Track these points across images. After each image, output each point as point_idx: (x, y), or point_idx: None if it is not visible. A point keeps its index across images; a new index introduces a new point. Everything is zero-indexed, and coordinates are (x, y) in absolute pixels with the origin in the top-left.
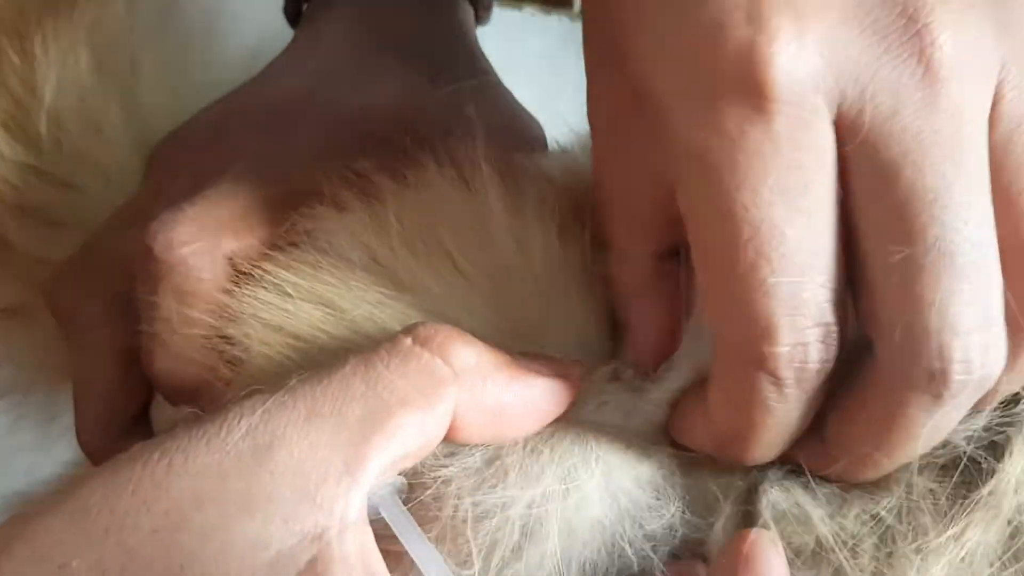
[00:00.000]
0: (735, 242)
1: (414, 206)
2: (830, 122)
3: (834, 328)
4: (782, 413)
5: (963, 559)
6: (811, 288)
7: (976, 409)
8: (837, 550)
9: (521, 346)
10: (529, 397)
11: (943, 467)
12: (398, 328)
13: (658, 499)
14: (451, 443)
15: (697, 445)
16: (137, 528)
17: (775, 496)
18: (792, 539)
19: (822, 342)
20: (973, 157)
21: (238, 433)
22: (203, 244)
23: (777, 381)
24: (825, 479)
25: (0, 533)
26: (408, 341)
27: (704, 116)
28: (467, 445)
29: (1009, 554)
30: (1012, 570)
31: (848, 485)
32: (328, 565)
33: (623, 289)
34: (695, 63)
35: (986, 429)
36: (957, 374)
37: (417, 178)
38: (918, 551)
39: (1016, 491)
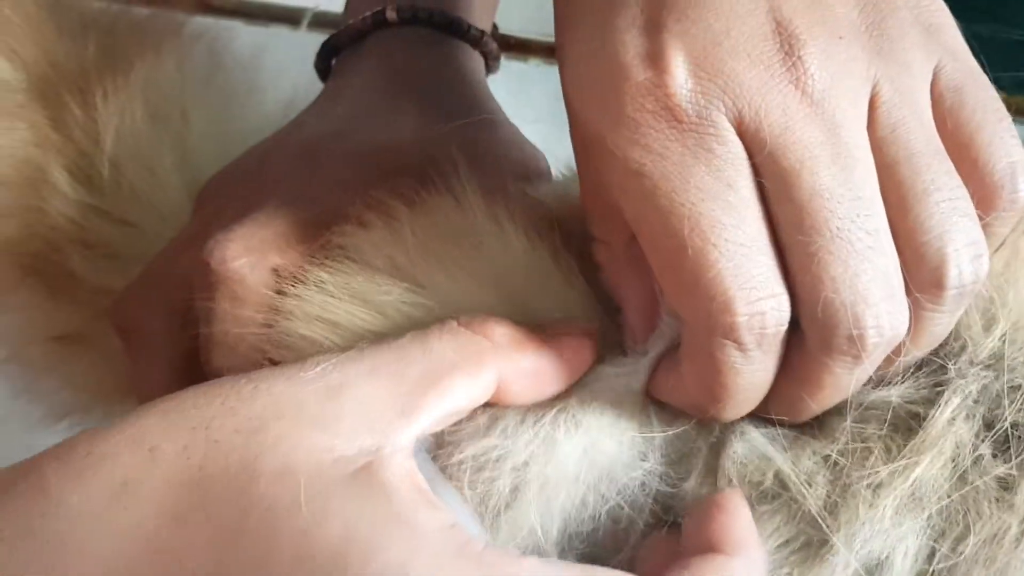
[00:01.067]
0: (681, 234)
1: (423, 222)
2: (736, 137)
3: (784, 296)
4: (748, 374)
5: (911, 494)
6: (756, 264)
7: (884, 372)
8: (794, 480)
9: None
10: (560, 357)
11: (892, 423)
12: (420, 314)
13: (640, 459)
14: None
15: (676, 405)
16: (223, 427)
17: (737, 448)
18: (753, 478)
19: (776, 309)
20: (859, 160)
21: (312, 372)
22: (251, 259)
23: (741, 347)
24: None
25: (93, 430)
26: (454, 323)
27: (632, 140)
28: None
29: (954, 485)
30: (957, 495)
31: (798, 433)
32: (379, 469)
33: (609, 271)
34: (613, 100)
35: (922, 388)
36: (871, 337)
37: (424, 201)
38: (868, 486)
39: (950, 430)
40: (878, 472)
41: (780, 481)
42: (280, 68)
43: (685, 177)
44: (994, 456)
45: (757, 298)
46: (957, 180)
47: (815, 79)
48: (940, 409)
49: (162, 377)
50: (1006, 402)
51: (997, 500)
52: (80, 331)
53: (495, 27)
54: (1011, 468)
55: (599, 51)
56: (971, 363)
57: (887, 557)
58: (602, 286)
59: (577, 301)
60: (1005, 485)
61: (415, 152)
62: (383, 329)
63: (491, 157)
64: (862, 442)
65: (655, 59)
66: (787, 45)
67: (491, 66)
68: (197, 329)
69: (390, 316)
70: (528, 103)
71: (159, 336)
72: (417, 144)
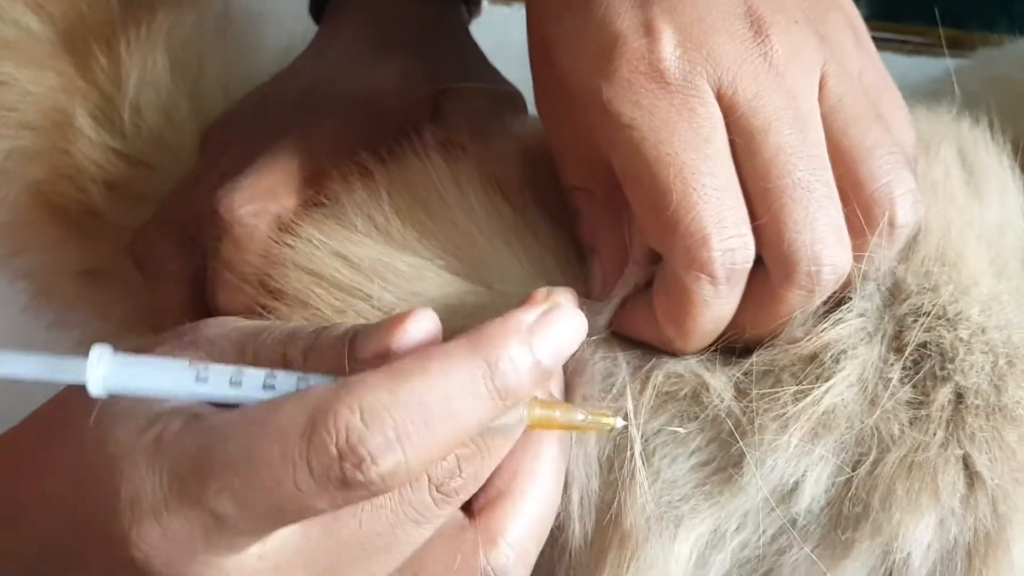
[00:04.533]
0: (666, 179)
1: (397, 183)
2: (715, 99)
3: (750, 237)
4: (716, 307)
5: (822, 422)
6: (728, 207)
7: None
8: (711, 391)
9: (480, 280)
10: None
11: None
12: (392, 271)
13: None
14: None
15: (643, 339)
16: None
17: (668, 363)
18: (672, 388)
19: (744, 247)
20: (812, 124)
21: None
22: (255, 207)
23: (713, 280)
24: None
25: None
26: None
27: (625, 98)
28: None
29: (866, 410)
30: (870, 421)
31: (716, 355)
32: None
33: (586, 218)
34: (611, 65)
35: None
36: (827, 273)
37: (398, 160)
38: (776, 416)
39: (854, 356)
40: (785, 403)
41: (696, 393)
42: (278, 17)
43: (671, 130)
44: (901, 381)
45: (729, 235)
46: (893, 138)
47: (780, 54)
48: (836, 328)
49: (175, 296)
50: (911, 320)
51: (910, 422)
52: (103, 266)
53: None
54: (919, 393)
55: (593, 22)
56: (864, 280)
57: (797, 482)
58: (566, 238)
59: (539, 257)
60: (916, 404)
61: (396, 101)
62: (360, 284)
63: (468, 103)
64: (769, 368)
65: (648, 29)
66: (756, 25)
67: (473, 11)
68: (206, 260)
69: (365, 271)
70: (510, 47)
71: (170, 259)
72: (398, 93)
